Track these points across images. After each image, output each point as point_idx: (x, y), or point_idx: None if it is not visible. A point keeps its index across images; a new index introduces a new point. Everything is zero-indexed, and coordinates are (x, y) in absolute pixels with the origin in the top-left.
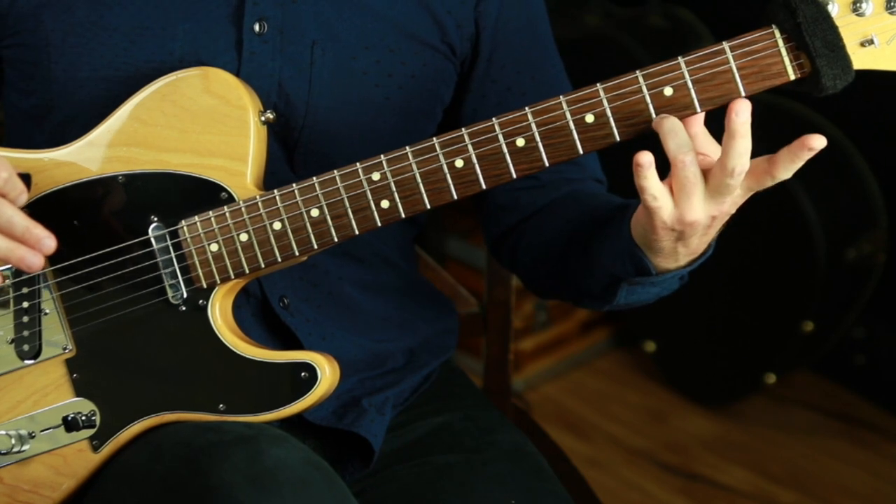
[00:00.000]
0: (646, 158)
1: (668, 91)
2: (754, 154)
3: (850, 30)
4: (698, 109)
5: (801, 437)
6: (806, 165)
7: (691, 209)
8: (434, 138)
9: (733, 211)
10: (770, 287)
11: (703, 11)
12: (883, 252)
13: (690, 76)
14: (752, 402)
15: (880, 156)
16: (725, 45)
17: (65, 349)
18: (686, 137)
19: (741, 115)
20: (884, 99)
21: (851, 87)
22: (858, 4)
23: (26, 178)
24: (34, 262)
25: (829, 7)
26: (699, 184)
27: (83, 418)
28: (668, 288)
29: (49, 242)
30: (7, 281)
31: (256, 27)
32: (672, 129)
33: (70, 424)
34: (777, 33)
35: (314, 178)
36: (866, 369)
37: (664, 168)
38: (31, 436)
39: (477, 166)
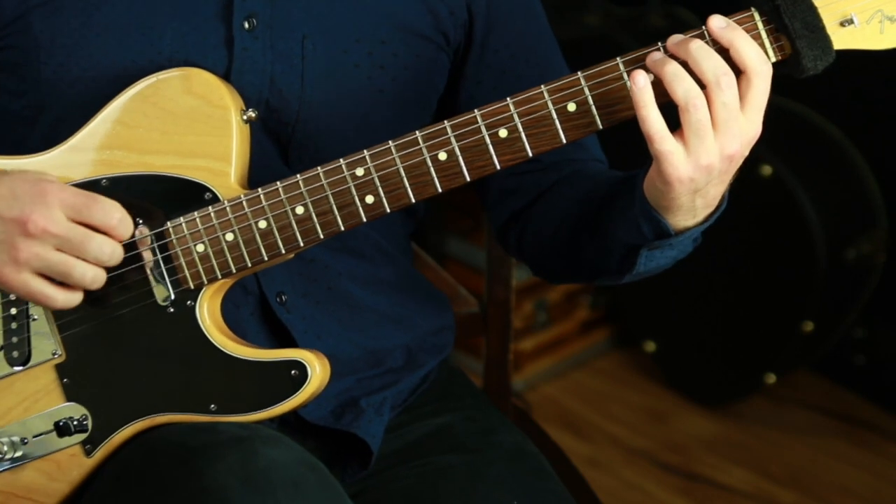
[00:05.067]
0: (640, 74)
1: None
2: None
3: (829, 10)
4: None
5: (801, 437)
6: (806, 165)
7: (706, 152)
8: (416, 132)
9: (747, 152)
10: (770, 287)
11: (703, 11)
12: (883, 252)
13: None
14: (752, 402)
15: (880, 156)
16: (706, 28)
17: (54, 354)
18: (692, 80)
19: (717, 21)
20: (884, 99)
21: (852, 86)
22: None
23: None
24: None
25: None
26: (709, 123)
27: (75, 423)
28: (683, 251)
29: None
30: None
31: (246, 24)
32: (677, 74)
33: (62, 429)
34: (756, 16)
35: (298, 176)
36: (866, 369)
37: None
38: (24, 442)
39: (460, 158)
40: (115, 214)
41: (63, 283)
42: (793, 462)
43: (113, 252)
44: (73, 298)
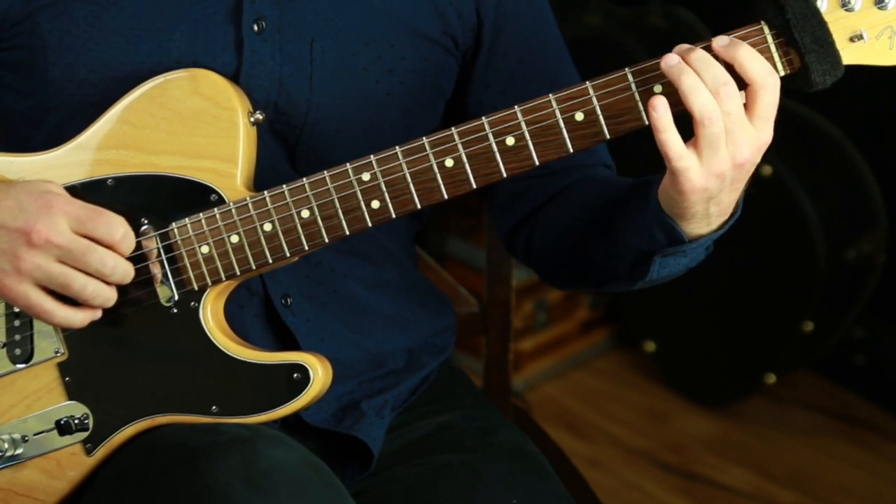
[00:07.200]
0: (660, 100)
1: (657, 88)
2: None
3: (839, 25)
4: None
5: (801, 437)
6: (806, 165)
7: (719, 161)
8: (424, 138)
9: (758, 159)
10: (770, 287)
11: (703, 11)
12: (883, 252)
13: None
14: (752, 402)
15: (880, 156)
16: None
17: (57, 352)
18: (709, 94)
19: (720, 40)
20: (884, 99)
21: (852, 86)
22: None
23: None
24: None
25: (818, 2)
26: (724, 136)
27: (76, 422)
28: (695, 258)
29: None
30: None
31: (255, 26)
32: (694, 87)
33: (63, 428)
34: (766, 29)
35: (304, 179)
36: (866, 369)
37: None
38: (24, 440)
39: (467, 166)
40: (118, 229)
41: (68, 300)
42: (793, 462)
43: (115, 266)
44: (73, 316)
